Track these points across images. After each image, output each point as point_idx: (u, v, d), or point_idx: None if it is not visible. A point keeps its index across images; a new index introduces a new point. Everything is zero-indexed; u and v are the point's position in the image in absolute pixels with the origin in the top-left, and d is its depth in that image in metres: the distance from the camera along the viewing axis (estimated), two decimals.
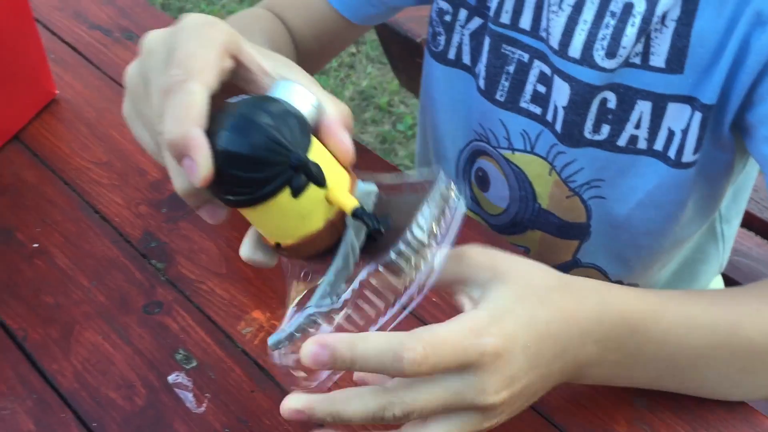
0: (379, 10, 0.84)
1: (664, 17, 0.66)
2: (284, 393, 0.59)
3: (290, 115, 0.43)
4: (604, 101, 0.70)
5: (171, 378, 0.61)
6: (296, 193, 0.43)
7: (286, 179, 0.43)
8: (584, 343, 0.51)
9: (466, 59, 0.79)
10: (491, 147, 0.79)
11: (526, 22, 0.73)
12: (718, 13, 0.65)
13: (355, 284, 0.45)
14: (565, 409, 0.59)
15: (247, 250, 0.49)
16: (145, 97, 0.47)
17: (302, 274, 0.48)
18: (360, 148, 0.55)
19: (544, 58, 0.72)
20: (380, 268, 0.44)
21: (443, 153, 0.85)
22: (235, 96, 0.46)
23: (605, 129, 0.71)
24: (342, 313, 0.46)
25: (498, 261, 0.50)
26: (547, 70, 0.72)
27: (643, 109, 0.69)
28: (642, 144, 0.71)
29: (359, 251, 0.45)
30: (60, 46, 0.92)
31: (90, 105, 0.85)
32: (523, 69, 0.74)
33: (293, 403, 0.47)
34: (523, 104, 0.75)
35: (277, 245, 0.47)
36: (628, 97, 0.69)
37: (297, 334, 0.46)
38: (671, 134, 0.70)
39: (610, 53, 0.67)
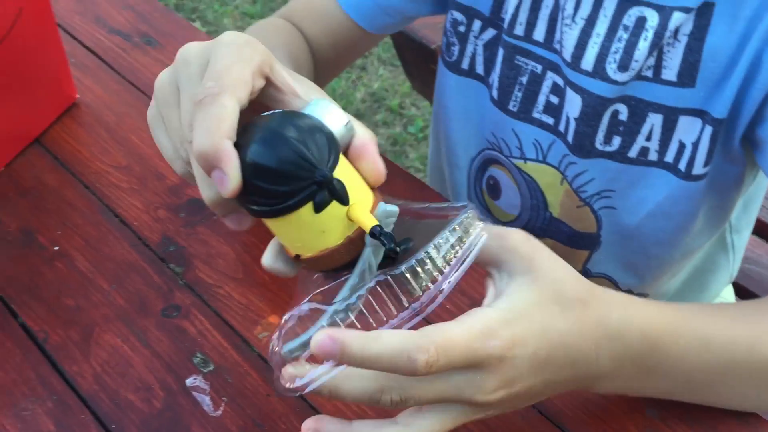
0: (395, 19, 0.85)
1: (676, 31, 0.67)
2: (301, 397, 0.61)
3: (319, 131, 0.45)
4: (615, 113, 0.71)
5: (189, 381, 0.62)
6: (318, 208, 0.44)
7: (310, 194, 0.44)
8: (598, 357, 0.51)
9: (480, 69, 0.80)
10: (503, 156, 0.80)
11: (539, 34, 0.74)
12: (731, 28, 0.66)
13: (362, 290, 0.45)
14: (576, 417, 0.60)
15: (268, 259, 0.50)
16: (174, 105, 0.48)
17: (317, 288, 0.49)
18: None
19: (557, 70, 0.73)
20: (389, 279, 0.44)
21: (455, 161, 0.86)
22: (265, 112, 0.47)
23: (616, 140, 0.72)
24: (347, 318, 0.46)
25: (537, 256, 0.50)
26: (560, 82, 0.73)
27: (654, 121, 0.70)
28: (653, 156, 0.72)
29: (376, 270, 0.46)
30: (80, 50, 0.93)
31: (110, 109, 0.86)
32: (536, 80, 0.75)
33: (293, 371, 0.47)
34: (535, 114, 0.76)
35: (297, 257, 0.48)
36: (639, 109, 0.70)
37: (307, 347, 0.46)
38: (682, 147, 0.70)
39: (623, 66, 0.68)
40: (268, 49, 0.48)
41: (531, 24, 0.74)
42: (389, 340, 0.44)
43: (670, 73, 0.68)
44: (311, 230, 0.45)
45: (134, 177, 0.79)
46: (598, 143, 0.73)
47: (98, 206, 0.76)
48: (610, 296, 0.53)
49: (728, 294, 0.97)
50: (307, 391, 0.45)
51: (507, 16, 0.75)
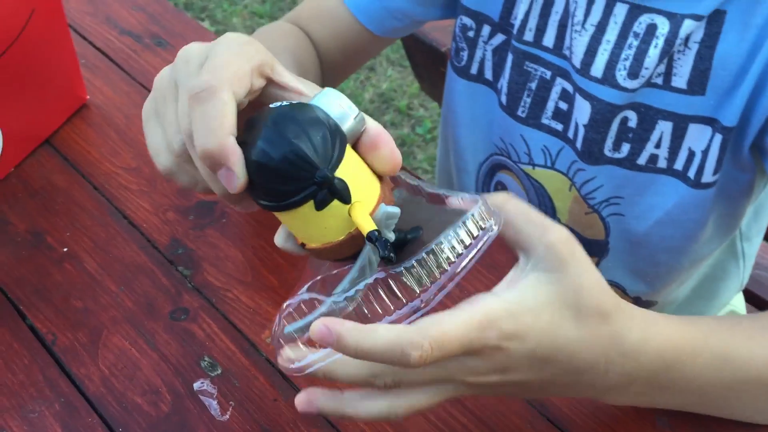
0: (404, 23, 0.85)
1: (687, 39, 0.67)
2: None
3: (324, 126, 0.45)
4: (624, 120, 0.71)
5: (196, 385, 0.62)
6: (319, 207, 0.45)
7: (310, 193, 0.44)
8: (607, 372, 0.50)
9: (489, 74, 0.80)
10: (512, 162, 0.80)
11: (549, 40, 0.74)
12: (742, 36, 0.65)
13: (361, 285, 0.45)
14: (585, 425, 0.60)
15: (280, 239, 0.50)
16: (172, 100, 0.48)
17: (325, 272, 0.50)
18: None
19: (566, 76, 0.73)
20: (388, 277, 0.45)
21: (463, 166, 0.86)
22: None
23: (625, 147, 0.72)
24: (345, 310, 0.46)
25: (571, 260, 0.48)
26: (569, 88, 0.73)
27: (663, 129, 0.70)
28: (662, 163, 0.72)
29: (377, 265, 0.46)
30: (91, 51, 0.93)
31: (120, 110, 0.86)
32: (546, 86, 0.75)
33: (292, 355, 0.48)
34: (544, 120, 0.76)
35: (303, 244, 0.49)
36: (649, 116, 0.70)
37: (302, 331, 0.47)
38: (691, 154, 0.70)
39: (633, 73, 0.68)
40: (269, 52, 0.49)
41: (540, 30, 0.74)
42: (384, 335, 0.44)
43: (680, 80, 0.68)
44: (314, 225, 0.46)
45: (143, 179, 0.79)
46: (607, 150, 0.73)
47: (107, 208, 0.77)
48: (633, 312, 0.51)
49: (738, 302, 0.96)
50: (304, 373, 0.47)
51: (516, 22, 0.75)
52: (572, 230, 0.79)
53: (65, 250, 0.73)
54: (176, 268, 0.71)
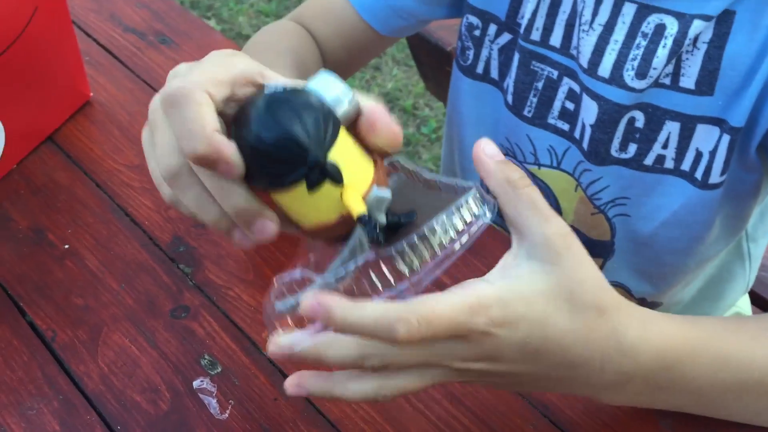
0: (409, 22, 0.84)
1: (696, 39, 0.66)
2: (308, 401, 0.60)
3: (316, 109, 0.45)
4: (632, 120, 0.70)
5: (196, 383, 0.62)
6: (311, 188, 0.45)
7: (302, 175, 0.44)
8: (603, 369, 0.50)
9: (494, 74, 0.79)
10: (517, 162, 0.80)
11: (556, 39, 0.73)
12: (751, 37, 0.65)
13: (350, 266, 0.46)
14: (587, 426, 0.59)
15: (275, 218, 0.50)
16: (164, 126, 0.47)
17: (319, 251, 0.50)
18: None
19: (573, 76, 0.72)
20: (379, 259, 0.45)
21: (468, 165, 0.86)
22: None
23: (632, 148, 0.71)
24: (336, 289, 0.47)
25: (566, 254, 0.47)
26: (576, 88, 0.72)
27: (671, 129, 0.69)
28: (669, 164, 0.71)
29: (368, 245, 0.46)
30: (95, 48, 0.93)
31: (123, 108, 0.86)
32: (552, 86, 0.74)
33: (279, 340, 0.47)
34: (550, 120, 0.76)
35: (297, 226, 0.49)
36: (656, 117, 0.69)
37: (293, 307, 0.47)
38: (699, 155, 0.70)
39: (640, 74, 0.67)
40: (266, 56, 0.48)
41: (548, 29, 0.73)
42: (372, 309, 0.44)
43: (688, 80, 0.67)
44: (306, 206, 0.46)
45: (146, 176, 0.79)
46: (614, 150, 0.72)
47: (109, 205, 0.76)
48: (633, 311, 0.51)
49: (744, 303, 0.95)
50: (294, 352, 0.47)
51: (523, 21, 0.74)
52: (578, 231, 0.79)
53: (66, 247, 0.73)
54: (177, 265, 0.71)
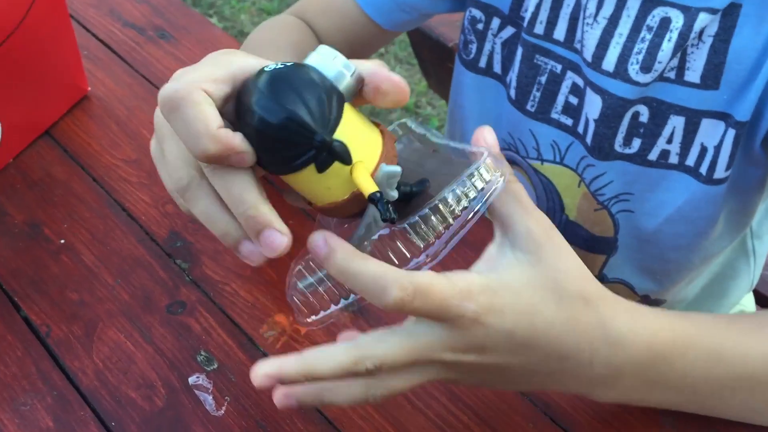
0: (411, 16, 0.84)
1: (701, 33, 0.65)
2: None
3: (319, 87, 0.44)
4: (636, 115, 0.69)
5: (191, 379, 0.61)
6: (320, 169, 0.44)
7: (311, 157, 0.44)
8: (592, 361, 0.49)
9: (497, 68, 0.78)
10: (520, 157, 0.79)
11: (560, 33, 0.72)
12: (757, 30, 0.64)
13: (367, 243, 0.46)
14: (589, 425, 0.58)
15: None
16: (170, 136, 0.46)
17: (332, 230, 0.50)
18: None
19: (577, 70, 0.71)
20: (394, 232, 0.45)
21: None
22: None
23: (636, 143, 0.70)
24: None
25: (547, 245, 0.48)
26: (580, 82, 0.71)
27: (675, 124, 0.68)
28: (673, 159, 0.70)
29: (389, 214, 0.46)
30: (94, 42, 0.92)
31: (121, 102, 0.85)
32: (556, 80, 0.73)
33: (263, 368, 0.46)
34: (554, 115, 0.75)
35: (310, 203, 0.48)
36: (661, 111, 0.68)
37: (324, 282, 0.48)
38: (704, 150, 0.69)
39: (645, 67, 0.66)
40: (268, 50, 0.47)
41: (551, 23, 0.72)
42: (374, 266, 0.44)
43: (693, 74, 0.66)
44: (318, 186, 0.45)
45: (144, 171, 0.78)
46: (618, 145, 0.71)
47: (106, 200, 0.75)
48: (620, 302, 0.51)
49: (748, 302, 0.94)
50: (283, 373, 0.46)
51: (527, 15, 0.73)
52: (581, 227, 0.78)
53: (62, 241, 0.72)
54: (174, 261, 0.70)
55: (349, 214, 0.47)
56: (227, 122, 0.44)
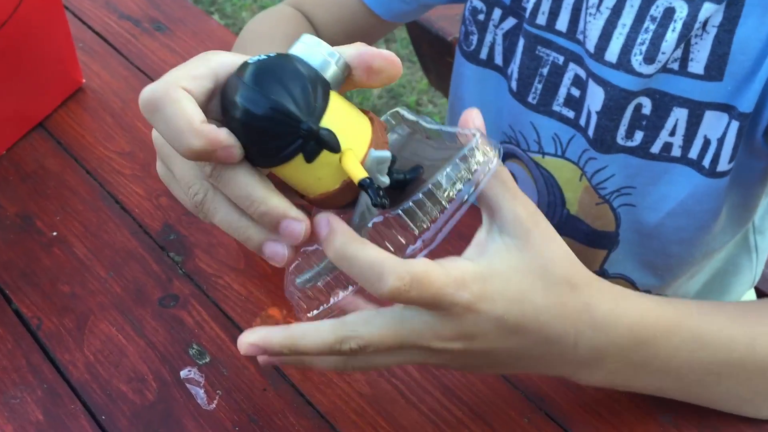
0: (411, 6, 0.82)
1: (705, 23, 0.64)
2: (298, 392, 0.58)
3: (304, 77, 0.43)
4: (638, 107, 0.68)
5: (183, 373, 0.59)
6: (309, 159, 0.43)
7: (298, 147, 0.43)
8: (576, 345, 0.49)
9: (498, 60, 0.77)
10: (521, 150, 0.78)
11: (562, 24, 0.71)
12: (762, 20, 0.63)
13: (361, 231, 0.45)
14: (585, 421, 0.57)
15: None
16: (173, 153, 0.45)
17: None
18: None
19: (579, 62, 0.70)
20: (389, 218, 0.44)
21: None
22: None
23: (638, 135, 0.69)
24: None
25: (534, 231, 0.47)
26: (582, 74, 0.70)
27: (679, 116, 0.67)
28: (676, 152, 0.69)
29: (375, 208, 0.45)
30: (89, 34, 0.91)
31: (116, 95, 0.84)
32: (558, 71, 0.72)
33: (249, 337, 0.47)
34: (555, 107, 0.73)
35: (302, 197, 0.47)
36: (663, 103, 0.67)
37: (322, 276, 0.47)
38: (707, 143, 0.67)
39: (649, 58, 0.65)
40: (242, 55, 0.46)
41: (554, 13, 0.71)
42: (372, 253, 0.43)
43: (697, 65, 0.65)
44: (308, 177, 0.44)
45: (137, 164, 0.77)
46: (620, 138, 0.70)
47: (99, 192, 0.74)
48: (605, 286, 0.51)
49: (750, 298, 0.93)
50: (268, 346, 0.46)
51: (529, 5, 0.72)
52: (582, 221, 0.77)
53: (54, 234, 0.71)
54: (167, 254, 0.69)
55: (343, 203, 0.46)
56: (214, 121, 0.43)
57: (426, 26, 1.04)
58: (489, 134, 0.82)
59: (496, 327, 0.47)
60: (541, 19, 0.72)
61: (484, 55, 0.78)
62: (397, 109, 0.51)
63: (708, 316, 0.55)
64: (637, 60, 0.66)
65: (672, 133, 0.68)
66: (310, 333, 0.46)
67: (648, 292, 0.78)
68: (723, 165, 0.67)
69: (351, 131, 0.44)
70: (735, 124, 0.65)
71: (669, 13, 0.64)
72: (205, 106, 0.43)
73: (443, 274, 0.45)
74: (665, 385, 0.55)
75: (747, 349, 0.54)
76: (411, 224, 0.44)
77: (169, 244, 0.69)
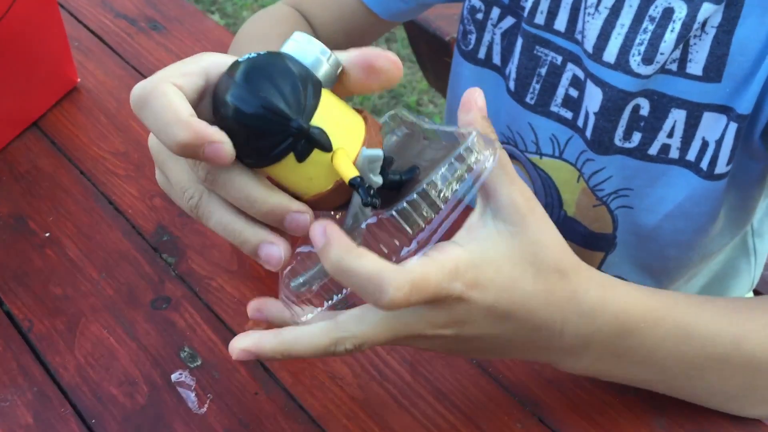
0: (410, 5, 0.82)
1: (704, 24, 0.63)
2: (290, 396, 0.58)
3: (293, 74, 0.42)
4: (636, 108, 0.67)
5: (174, 376, 0.59)
6: (300, 158, 0.43)
7: (289, 145, 0.42)
8: (562, 332, 0.49)
9: (497, 59, 0.77)
10: (518, 151, 0.77)
11: (561, 23, 0.70)
12: (761, 21, 0.62)
13: (355, 233, 0.44)
14: (579, 426, 0.57)
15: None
16: (170, 157, 0.45)
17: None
18: None
19: (577, 62, 0.70)
20: (382, 220, 0.43)
21: None
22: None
23: (636, 137, 0.68)
24: None
25: (530, 217, 0.47)
26: (581, 74, 0.69)
27: (677, 117, 0.66)
28: (674, 153, 0.68)
29: (369, 209, 0.45)
30: (84, 33, 0.91)
31: (111, 94, 0.84)
32: (556, 72, 0.71)
33: (241, 342, 0.46)
34: (553, 108, 0.73)
35: (296, 198, 0.46)
36: (662, 104, 0.66)
37: (316, 280, 0.46)
38: (705, 145, 0.67)
39: (647, 59, 0.64)
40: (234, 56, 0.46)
41: (552, 13, 0.70)
42: (369, 263, 0.42)
43: (695, 66, 0.64)
44: (300, 177, 0.44)
45: (131, 164, 0.76)
46: (618, 139, 0.69)
47: (93, 193, 0.74)
48: (594, 274, 0.51)
49: None
50: (261, 352, 0.46)
51: (527, 4, 0.71)
52: (579, 223, 0.76)
53: (47, 235, 0.70)
54: (160, 255, 0.68)
55: (336, 205, 0.45)
56: (205, 120, 0.43)
57: (424, 26, 1.04)
58: None
59: (487, 314, 0.46)
60: (540, 19, 0.71)
61: (482, 54, 0.77)
62: (395, 111, 0.51)
63: (696, 309, 0.54)
64: (635, 60, 0.65)
65: (670, 135, 0.67)
66: (304, 337, 0.46)
67: None
68: (721, 167, 0.67)
69: (343, 130, 0.43)
70: (733, 126, 0.65)
71: (668, 13, 0.64)
72: (196, 104, 0.43)
73: (439, 271, 0.44)
74: (649, 377, 0.55)
75: (733, 344, 0.54)
76: (405, 225, 0.43)
77: (162, 246, 0.69)
